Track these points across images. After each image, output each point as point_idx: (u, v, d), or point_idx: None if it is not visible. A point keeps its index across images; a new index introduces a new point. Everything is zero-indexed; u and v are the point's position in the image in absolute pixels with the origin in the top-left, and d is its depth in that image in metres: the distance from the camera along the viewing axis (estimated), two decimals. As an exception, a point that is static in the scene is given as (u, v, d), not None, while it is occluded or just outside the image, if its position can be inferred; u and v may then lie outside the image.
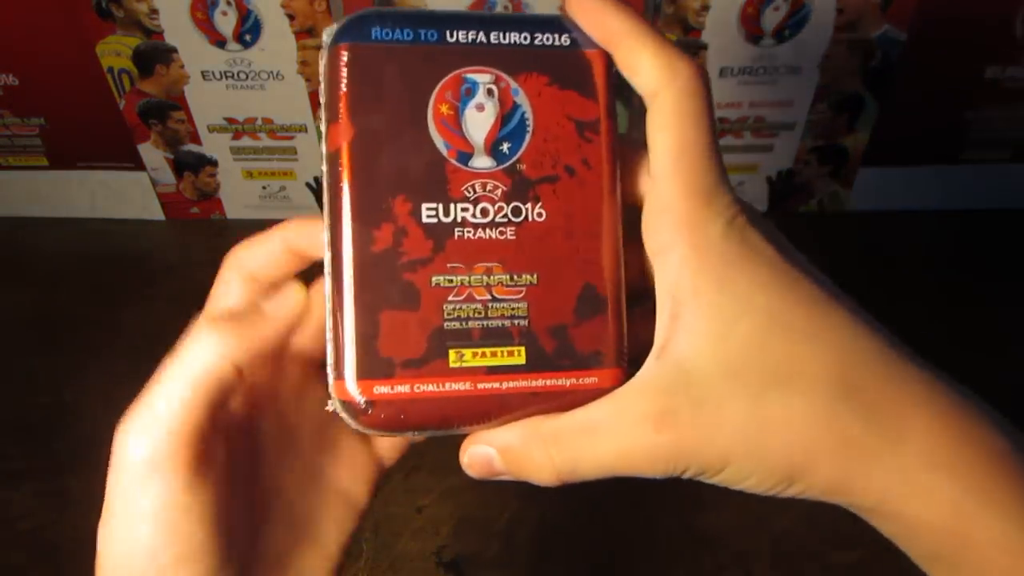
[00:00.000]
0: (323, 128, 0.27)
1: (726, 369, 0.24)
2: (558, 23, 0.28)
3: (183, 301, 0.66)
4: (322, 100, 0.27)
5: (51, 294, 0.67)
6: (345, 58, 0.26)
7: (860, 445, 0.24)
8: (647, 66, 0.26)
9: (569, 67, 0.28)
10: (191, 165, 0.68)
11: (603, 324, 0.27)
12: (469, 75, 0.27)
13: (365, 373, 0.26)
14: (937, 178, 0.69)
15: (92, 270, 0.68)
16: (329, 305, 0.26)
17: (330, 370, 0.26)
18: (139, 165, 0.68)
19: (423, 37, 0.27)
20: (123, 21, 0.58)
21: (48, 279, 0.68)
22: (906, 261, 0.68)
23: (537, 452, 0.26)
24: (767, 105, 0.64)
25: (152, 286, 0.67)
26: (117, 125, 0.64)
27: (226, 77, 0.61)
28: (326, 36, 0.27)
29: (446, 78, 0.27)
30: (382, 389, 0.26)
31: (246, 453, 0.29)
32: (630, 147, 0.28)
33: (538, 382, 0.26)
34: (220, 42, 0.59)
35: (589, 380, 0.27)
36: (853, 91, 0.63)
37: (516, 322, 0.26)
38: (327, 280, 0.27)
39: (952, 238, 0.69)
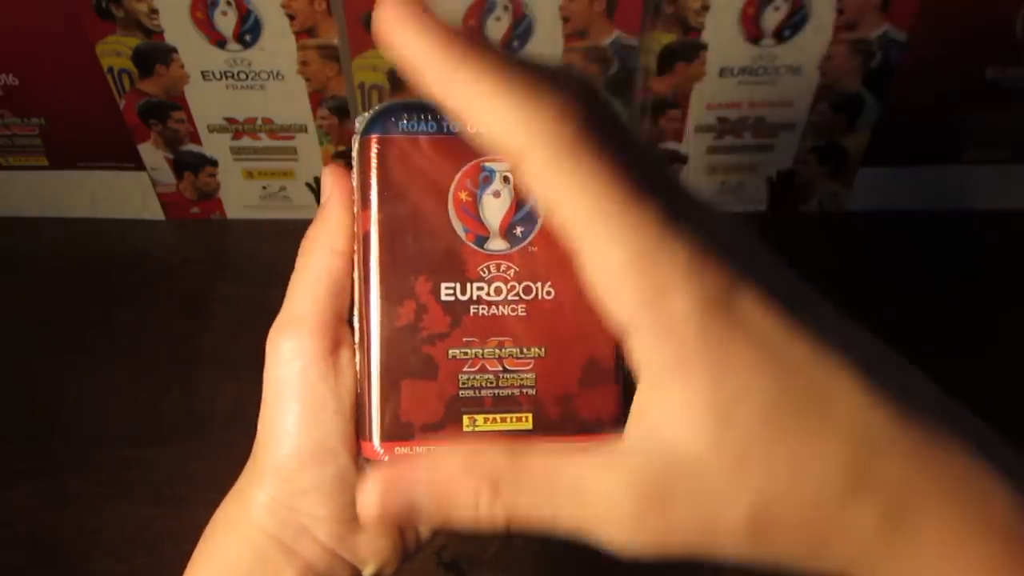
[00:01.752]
0: (355, 211, 0.30)
1: (728, 463, 0.22)
2: None
3: (183, 301, 0.67)
4: (354, 183, 0.30)
5: (51, 294, 0.67)
6: (375, 149, 0.29)
7: (870, 541, 0.22)
8: (497, 129, 0.21)
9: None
10: (191, 165, 0.68)
11: (604, 393, 0.29)
12: (487, 164, 0.29)
13: (387, 435, 0.29)
14: (937, 178, 0.69)
15: (92, 270, 0.68)
16: (358, 372, 0.30)
17: (358, 432, 0.30)
18: (139, 165, 0.68)
19: (445, 129, 0.29)
20: (123, 21, 0.58)
21: (48, 279, 0.68)
22: (906, 261, 0.68)
23: (482, 487, 0.23)
24: (767, 105, 0.64)
25: (152, 286, 0.67)
26: (117, 125, 0.64)
27: (226, 77, 0.61)
28: (358, 124, 0.30)
29: (466, 167, 0.29)
30: (403, 450, 0.29)
31: None
32: None
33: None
34: (220, 42, 0.59)
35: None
36: (853, 91, 0.63)
37: (525, 391, 0.29)
38: (356, 351, 0.30)
39: (952, 238, 0.69)
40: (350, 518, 0.30)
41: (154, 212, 0.71)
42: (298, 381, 0.29)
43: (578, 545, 0.46)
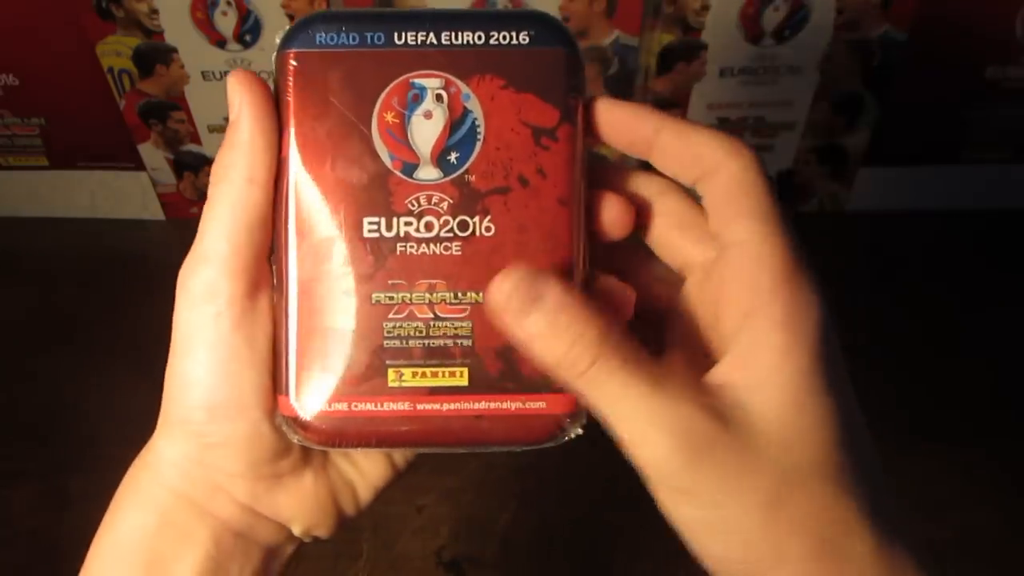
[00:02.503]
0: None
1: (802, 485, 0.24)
2: (517, 18, 0.26)
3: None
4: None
5: (51, 294, 0.67)
6: (291, 66, 0.26)
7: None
8: (701, 144, 0.26)
9: (528, 68, 0.26)
10: (191, 165, 0.68)
11: None
12: (417, 80, 0.26)
13: (304, 390, 0.26)
14: (937, 178, 0.69)
15: (92, 270, 0.68)
16: (274, 318, 0.26)
17: (276, 386, 0.26)
18: (139, 165, 0.68)
19: (369, 40, 0.26)
20: (123, 21, 0.58)
21: (48, 279, 0.68)
22: (906, 261, 0.68)
23: (584, 355, 0.23)
24: (767, 105, 0.64)
25: (152, 286, 0.66)
26: (117, 125, 0.64)
27: (226, 77, 0.61)
28: (277, 40, 0.27)
29: (392, 84, 0.26)
30: (320, 406, 0.26)
31: None
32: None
33: (481, 404, 0.26)
34: (220, 42, 0.59)
35: (536, 405, 0.26)
36: (853, 91, 0.63)
37: (459, 342, 0.26)
38: (274, 294, 0.27)
39: (952, 238, 0.69)
40: (268, 475, 0.27)
41: (154, 212, 0.71)
42: (210, 328, 0.26)
43: (578, 545, 0.46)
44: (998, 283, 0.67)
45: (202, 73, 0.61)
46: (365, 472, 0.30)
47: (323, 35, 0.26)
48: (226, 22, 0.58)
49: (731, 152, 0.25)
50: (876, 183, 0.69)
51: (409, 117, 0.26)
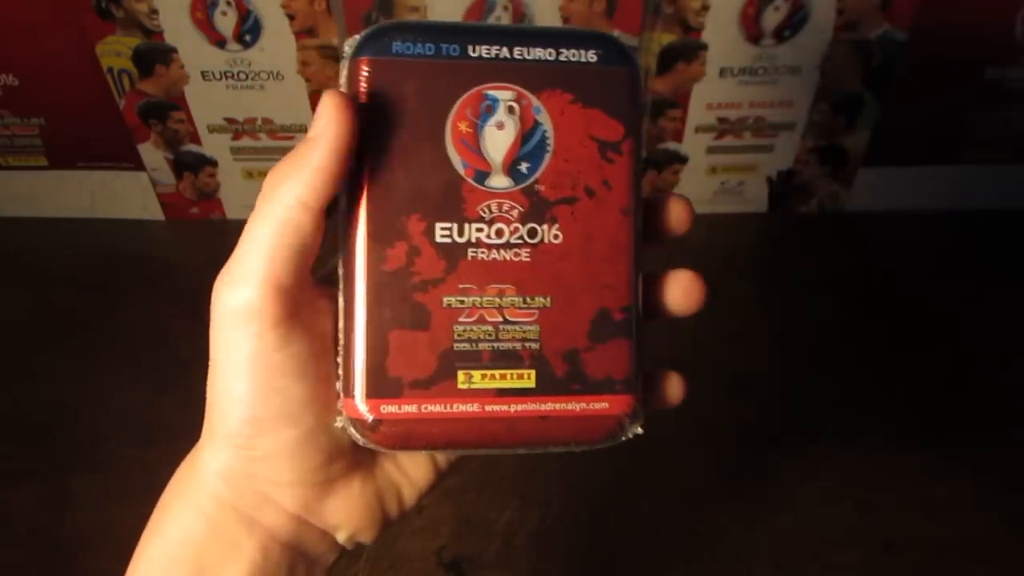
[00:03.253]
0: None
1: None
2: (585, 38, 0.27)
3: (183, 301, 0.67)
4: None
5: (51, 294, 0.67)
6: (365, 73, 0.26)
7: None
8: None
9: (595, 84, 0.27)
10: (191, 165, 0.67)
11: (617, 350, 0.27)
12: (490, 92, 0.26)
13: (373, 392, 0.26)
14: (937, 178, 0.69)
15: (92, 270, 0.68)
16: (341, 323, 0.26)
17: (340, 387, 0.26)
18: (139, 165, 0.68)
19: (444, 52, 0.26)
20: (123, 21, 0.58)
21: (48, 279, 0.68)
22: (906, 261, 0.68)
23: None
24: (767, 105, 0.64)
25: (152, 286, 0.67)
26: (117, 125, 0.64)
27: (226, 77, 0.61)
28: (347, 48, 0.27)
29: (466, 95, 0.26)
30: (389, 408, 0.26)
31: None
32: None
33: (547, 406, 0.26)
34: (220, 42, 0.59)
35: (600, 406, 0.27)
36: (853, 91, 0.63)
37: (527, 345, 0.26)
38: (340, 297, 0.27)
39: (952, 238, 0.69)
40: (318, 482, 0.27)
41: (154, 212, 0.71)
42: (250, 348, 0.25)
43: (578, 545, 0.46)
44: (998, 283, 0.67)
45: (202, 73, 0.61)
46: (410, 474, 0.30)
47: (399, 44, 0.26)
48: (226, 22, 0.58)
49: None
50: (876, 183, 0.69)
51: (482, 127, 0.26)
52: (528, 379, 0.26)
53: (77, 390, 0.61)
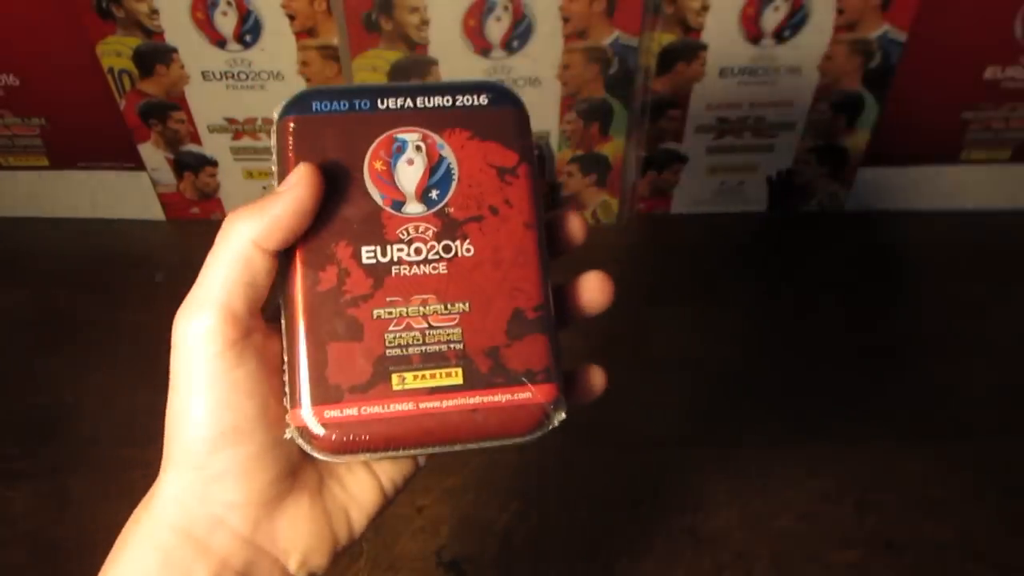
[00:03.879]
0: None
1: None
2: (476, 86, 0.32)
3: (183, 301, 0.67)
4: (274, 169, 0.30)
5: (51, 294, 0.67)
6: (291, 128, 0.30)
7: None
8: None
9: (488, 122, 0.32)
10: (191, 165, 0.68)
11: (533, 344, 0.30)
12: (399, 135, 0.31)
13: (316, 400, 0.29)
14: (937, 178, 0.69)
15: (92, 270, 0.68)
16: (285, 342, 0.29)
17: (286, 401, 0.29)
18: (139, 165, 0.68)
19: (357, 107, 0.31)
20: (123, 21, 0.58)
21: (48, 279, 0.68)
22: (905, 261, 0.68)
23: None
24: (767, 105, 0.64)
25: (152, 286, 0.67)
26: (117, 125, 0.64)
27: (226, 77, 0.61)
28: (275, 112, 0.31)
29: (379, 139, 0.31)
30: (332, 413, 0.28)
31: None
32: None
33: (475, 399, 0.29)
34: (220, 42, 0.59)
35: (523, 396, 0.29)
36: (853, 91, 0.63)
37: (452, 346, 0.29)
38: (283, 319, 0.30)
39: (952, 238, 0.69)
40: (267, 500, 0.29)
41: (154, 212, 0.71)
42: (209, 368, 0.28)
43: (578, 545, 0.46)
44: (998, 283, 0.67)
45: (202, 73, 0.61)
46: (356, 496, 0.32)
47: (318, 103, 0.31)
48: (226, 22, 0.58)
49: None
50: (876, 183, 0.69)
51: (395, 164, 0.31)
52: (456, 376, 0.29)
53: (77, 390, 0.61)
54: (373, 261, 0.30)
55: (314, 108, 0.31)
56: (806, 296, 0.66)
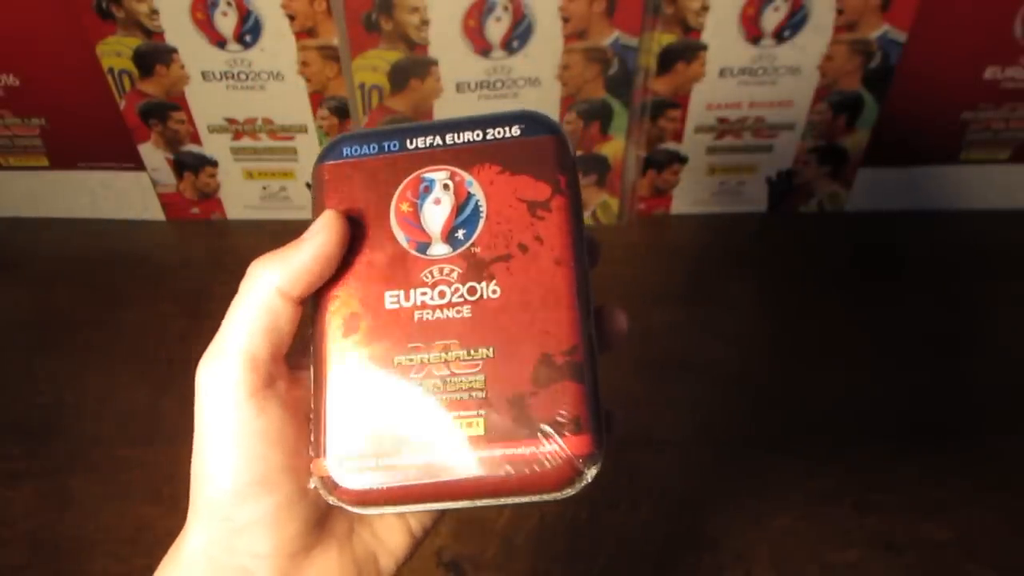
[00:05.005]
0: None
1: None
2: (509, 117, 0.31)
3: (183, 301, 0.67)
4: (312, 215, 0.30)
5: (51, 294, 0.67)
6: (324, 176, 0.31)
7: None
8: None
9: (521, 154, 0.30)
10: (191, 165, 0.68)
11: (563, 391, 0.27)
12: (427, 174, 0.30)
13: (337, 451, 0.28)
14: (937, 178, 0.69)
15: (92, 270, 0.68)
16: (312, 390, 0.29)
17: (311, 449, 0.28)
18: (139, 165, 0.68)
19: (387, 148, 0.31)
20: (123, 21, 0.58)
21: (48, 279, 0.68)
22: (905, 261, 0.68)
23: None
24: (767, 105, 0.64)
25: (152, 286, 0.67)
26: (117, 125, 0.64)
27: (226, 77, 0.61)
28: (315, 160, 0.31)
29: (407, 180, 0.30)
30: (354, 464, 0.28)
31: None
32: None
33: (498, 452, 0.27)
34: (220, 42, 0.59)
35: (550, 448, 0.27)
36: (853, 91, 0.63)
37: (474, 394, 0.27)
38: (310, 367, 0.29)
39: (952, 238, 0.69)
40: (296, 551, 0.28)
41: (154, 212, 0.71)
42: (233, 417, 0.27)
43: (578, 546, 0.46)
44: (997, 283, 0.67)
45: (202, 73, 0.61)
46: (385, 541, 0.31)
47: (348, 148, 0.31)
48: (226, 22, 0.58)
49: None
50: (876, 183, 0.69)
51: (422, 204, 0.30)
52: (477, 427, 0.27)
53: (77, 390, 0.61)
54: (396, 306, 0.29)
55: (344, 153, 0.31)
56: (806, 296, 0.66)
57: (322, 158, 0.31)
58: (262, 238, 0.70)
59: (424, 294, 0.29)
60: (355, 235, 0.30)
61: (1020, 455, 0.57)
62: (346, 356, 0.29)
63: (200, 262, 0.69)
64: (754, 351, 0.63)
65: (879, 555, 0.53)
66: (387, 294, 0.29)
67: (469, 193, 0.30)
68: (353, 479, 0.27)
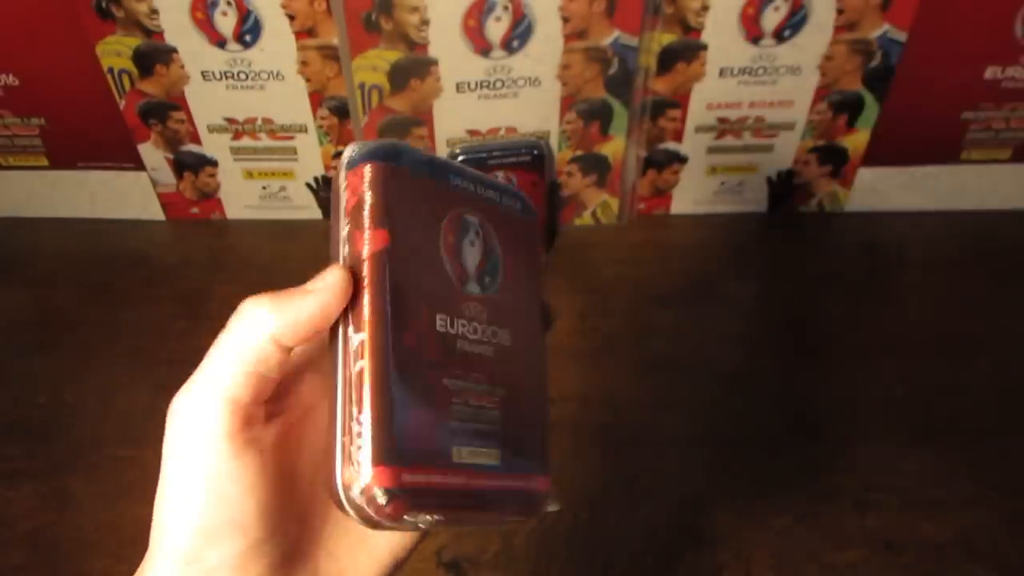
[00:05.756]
0: (344, 232, 0.29)
1: None
2: (513, 193, 0.34)
3: (183, 301, 0.67)
4: (343, 207, 0.30)
5: (51, 294, 0.67)
6: (382, 174, 0.30)
7: None
8: None
9: (521, 226, 0.34)
10: (191, 165, 0.68)
11: (540, 436, 0.31)
12: (466, 216, 0.32)
13: (386, 461, 0.27)
14: (937, 178, 0.69)
15: (92, 270, 0.68)
16: (345, 396, 0.28)
17: (339, 461, 0.27)
18: (139, 165, 0.68)
19: (436, 174, 0.31)
20: (123, 21, 0.58)
21: (48, 279, 0.68)
22: (905, 261, 0.68)
23: None
24: (767, 105, 0.64)
25: (152, 286, 0.67)
26: (117, 125, 0.64)
27: (226, 77, 0.61)
28: (353, 152, 0.30)
29: (452, 212, 0.31)
30: (405, 477, 0.28)
31: (291, 435, 0.30)
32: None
33: (506, 482, 0.30)
34: (220, 42, 0.59)
35: (532, 484, 0.31)
36: (853, 91, 0.63)
37: (493, 427, 0.30)
38: (344, 372, 0.28)
39: (952, 238, 0.69)
40: None
41: (154, 212, 0.71)
42: (208, 458, 0.26)
43: (578, 546, 0.46)
44: (997, 283, 0.67)
45: (202, 73, 0.61)
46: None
47: (407, 157, 0.30)
48: (226, 22, 0.58)
49: None
50: (876, 183, 0.69)
51: (461, 241, 0.31)
52: (495, 457, 0.29)
53: (77, 390, 0.61)
54: (444, 330, 0.29)
55: (403, 160, 0.30)
56: (806, 296, 0.66)
57: (373, 155, 0.30)
58: (262, 238, 0.70)
59: (464, 325, 0.30)
60: (414, 249, 0.30)
61: (1020, 455, 0.57)
62: (404, 368, 0.28)
63: (200, 262, 0.69)
64: (754, 351, 0.63)
65: (879, 555, 0.53)
66: (438, 316, 0.30)
67: (492, 245, 0.32)
68: (392, 492, 0.27)
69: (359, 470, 0.27)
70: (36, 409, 0.60)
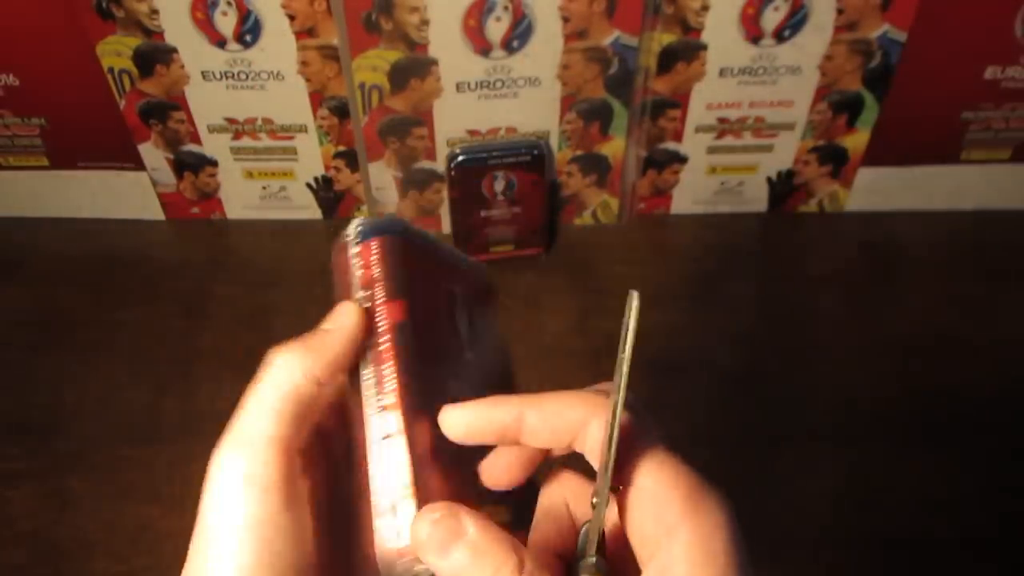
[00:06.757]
0: (360, 300, 0.30)
1: None
2: (480, 268, 0.37)
3: (183, 301, 0.67)
4: (355, 281, 0.30)
5: (51, 294, 0.67)
6: (397, 248, 0.31)
7: None
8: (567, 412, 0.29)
9: (482, 287, 0.36)
10: (191, 165, 0.68)
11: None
12: (454, 291, 0.33)
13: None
14: (937, 178, 0.69)
15: (92, 270, 0.68)
16: (388, 459, 0.28)
17: (386, 532, 0.27)
18: (139, 165, 0.68)
19: (428, 249, 0.33)
20: (123, 21, 0.58)
21: (48, 279, 0.68)
22: (905, 261, 0.68)
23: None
24: (767, 105, 0.64)
25: (152, 286, 0.67)
26: (117, 125, 0.64)
27: (226, 77, 0.61)
28: (360, 227, 0.31)
29: (444, 286, 0.33)
30: None
31: (330, 479, 0.30)
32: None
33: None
34: (220, 42, 0.59)
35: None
36: (853, 91, 0.63)
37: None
38: (378, 436, 0.28)
39: (952, 238, 0.69)
40: None
41: (154, 212, 0.71)
42: (254, 509, 0.26)
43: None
44: (998, 283, 0.67)
45: (202, 73, 0.61)
46: None
47: (411, 231, 0.32)
48: (226, 22, 0.58)
49: (690, 511, 0.28)
50: (876, 183, 0.69)
51: (455, 314, 0.33)
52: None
53: (77, 390, 0.61)
54: (455, 397, 0.30)
55: (407, 233, 0.32)
56: (806, 296, 0.66)
57: (382, 231, 0.31)
58: (262, 238, 0.70)
59: (468, 392, 0.31)
60: (430, 318, 0.31)
61: (1021, 455, 0.57)
62: (432, 432, 0.29)
63: (200, 262, 0.69)
64: (754, 351, 0.63)
65: (879, 555, 0.53)
66: (451, 382, 0.30)
67: (473, 321, 0.34)
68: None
69: (401, 537, 0.27)
70: (36, 409, 0.60)
